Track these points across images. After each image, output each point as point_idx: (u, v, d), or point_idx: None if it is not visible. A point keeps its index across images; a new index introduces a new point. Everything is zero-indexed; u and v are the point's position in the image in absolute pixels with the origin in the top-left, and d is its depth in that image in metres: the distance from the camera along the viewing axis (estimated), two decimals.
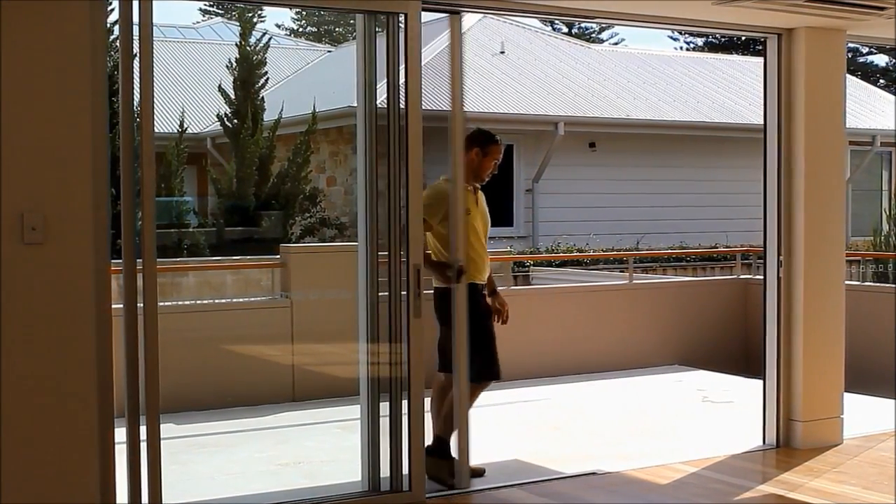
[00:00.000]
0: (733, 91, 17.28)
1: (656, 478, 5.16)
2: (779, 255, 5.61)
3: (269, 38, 14.80)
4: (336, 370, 6.97)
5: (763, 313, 5.71)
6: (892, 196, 14.81)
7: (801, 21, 5.39)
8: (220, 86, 13.71)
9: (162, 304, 4.05)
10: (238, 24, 14.67)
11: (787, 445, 5.61)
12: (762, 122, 5.71)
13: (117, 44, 3.93)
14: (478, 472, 5.02)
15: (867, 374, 6.96)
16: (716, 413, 6.80)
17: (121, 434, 3.86)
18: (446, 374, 4.96)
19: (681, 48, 29.92)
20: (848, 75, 6.26)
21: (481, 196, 5.17)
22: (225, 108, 13.68)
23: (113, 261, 3.80)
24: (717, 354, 8.55)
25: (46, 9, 3.55)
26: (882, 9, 5.00)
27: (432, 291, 4.95)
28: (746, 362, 8.36)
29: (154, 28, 3.90)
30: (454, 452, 4.89)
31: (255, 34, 14.40)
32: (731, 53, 22.44)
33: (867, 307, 7.61)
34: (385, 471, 4.60)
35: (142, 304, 3.88)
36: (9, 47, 3.48)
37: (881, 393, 6.80)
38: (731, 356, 8.56)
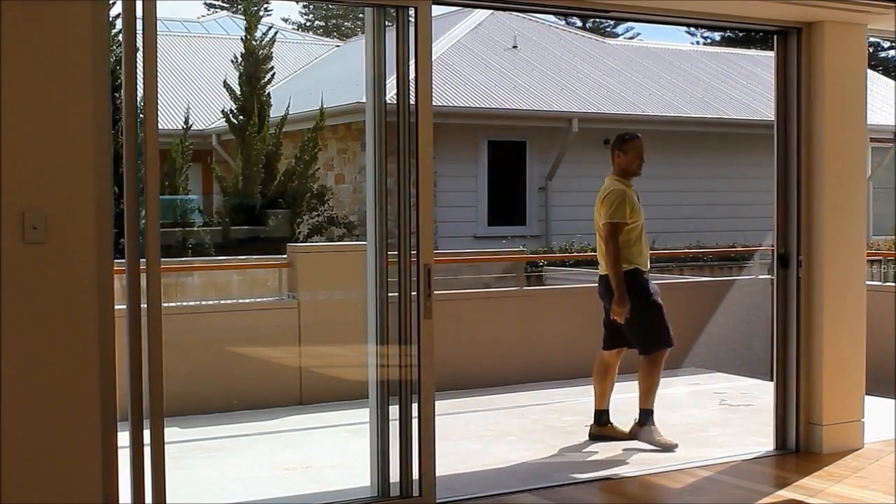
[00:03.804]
0: (751, 87, 17.10)
1: (672, 482, 5.09)
2: (798, 254, 5.52)
3: (276, 33, 14.70)
4: (344, 373, 6.89)
5: (772, 314, 5.62)
6: None
7: (821, 15, 5.29)
8: (225, 81, 13.63)
9: (166, 304, 3.99)
10: (244, 18, 14.57)
11: (807, 449, 5.51)
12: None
13: (120, 38, 3.85)
14: (671, 447, 5.63)
15: (888, 377, 6.83)
16: (734, 416, 6.70)
17: (124, 438, 3.79)
18: (608, 352, 5.87)
19: (697, 43, 29.80)
20: (868, 70, 6.14)
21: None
22: (230, 105, 13.60)
23: (116, 261, 3.74)
24: (735, 357, 8.43)
25: (47, 3, 3.47)
26: None
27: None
28: (766, 365, 8.23)
29: (158, 22, 3.82)
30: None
31: (261, 28, 14.31)
32: (749, 48, 22.27)
33: (889, 308, 7.47)
34: (395, 475, 4.52)
35: (145, 305, 3.81)
36: (9, 43, 3.41)
37: None
38: (751, 359, 8.43)
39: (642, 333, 5.73)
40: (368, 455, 4.59)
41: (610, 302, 5.73)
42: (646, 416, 5.74)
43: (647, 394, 5.74)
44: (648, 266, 5.85)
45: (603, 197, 5.73)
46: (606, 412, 5.91)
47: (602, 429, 5.89)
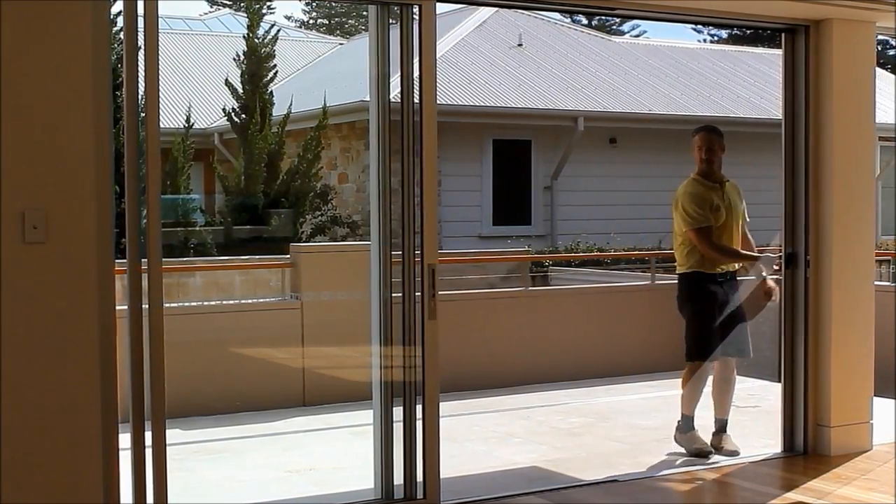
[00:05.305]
0: (758, 85, 17.02)
1: (679, 485, 5.07)
2: (806, 254, 5.47)
3: (279, 30, 14.66)
4: (348, 374, 6.87)
5: (780, 315, 5.58)
6: None
7: (830, 12, 5.25)
8: (227, 79, 13.60)
9: (168, 305, 3.97)
10: (246, 15, 14.54)
11: (815, 451, 5.47)
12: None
13: (121, 36, 3.82)
14: (703, 454, 5.45)
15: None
16: (741, 418, 6.65)
17: (125, 439, 3.76)
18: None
19: (704, 41, 29.70)
20: (877, 68, 6.09)
21: (728, 188, 5.71)
22: (232, 103, 13.57)
23: (117, 261, 3.71)
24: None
25: (47, 2, 3.43)
26: None
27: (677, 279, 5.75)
28: (774, 366, 8.18)
29: (159, 20, 3.79)
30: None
31: (264, 26, 14.26)
32: (757, 46, 22.20)
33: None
34: (399, 477, 4.50)
35: (147, 306, 3.78)
36: (9, 42, 3.37)
37: None
38: (758, 360, 8.36)
39: (686, 339, 5.64)
40: (372, 457, 4.56)
41: (683, 306, 5.65)
42: (682, 421, 5.63)
43: (689, 403, 5.62)
44: (722, 268, 5.61)
45: (675, 201, 5.64)
46: (719, 421, 5.70)
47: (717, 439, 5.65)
